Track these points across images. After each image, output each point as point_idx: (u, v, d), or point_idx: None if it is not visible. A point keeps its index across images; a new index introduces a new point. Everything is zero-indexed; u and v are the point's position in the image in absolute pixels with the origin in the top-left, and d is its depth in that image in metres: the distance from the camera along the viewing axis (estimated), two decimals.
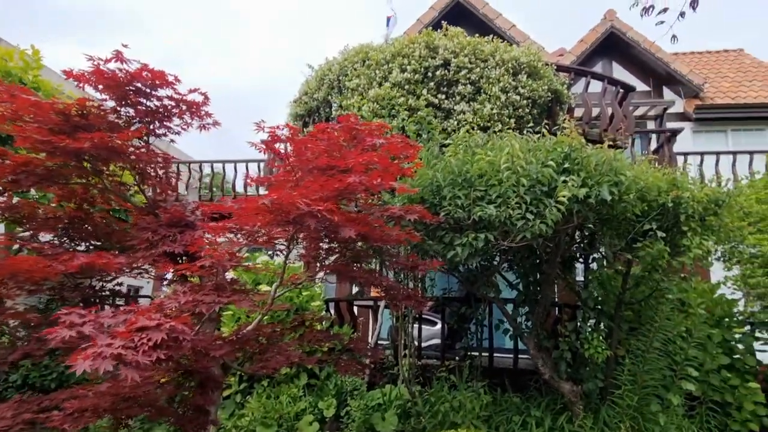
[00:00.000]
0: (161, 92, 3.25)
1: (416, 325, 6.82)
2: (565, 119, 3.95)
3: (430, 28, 8.05)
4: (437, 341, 6.66)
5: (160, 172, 3.33)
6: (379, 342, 6.87)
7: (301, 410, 5.07)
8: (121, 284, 4.08)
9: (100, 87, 3.17)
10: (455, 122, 6.34)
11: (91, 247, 3.57)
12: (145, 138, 3.29)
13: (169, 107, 3.26)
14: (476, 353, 5.65)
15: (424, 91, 6.34)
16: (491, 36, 6.93)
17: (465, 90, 6.29)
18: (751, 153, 8.98)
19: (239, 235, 2.74)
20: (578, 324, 4.45)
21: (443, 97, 6.40)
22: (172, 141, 3.49)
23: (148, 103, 3.24)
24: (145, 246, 2.88)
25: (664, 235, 3.77)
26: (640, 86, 12.24)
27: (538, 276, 4.46)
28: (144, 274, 3.76)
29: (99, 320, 2.06)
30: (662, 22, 3.89)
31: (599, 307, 4.48)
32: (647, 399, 3.92)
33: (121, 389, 2.25)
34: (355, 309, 8.29)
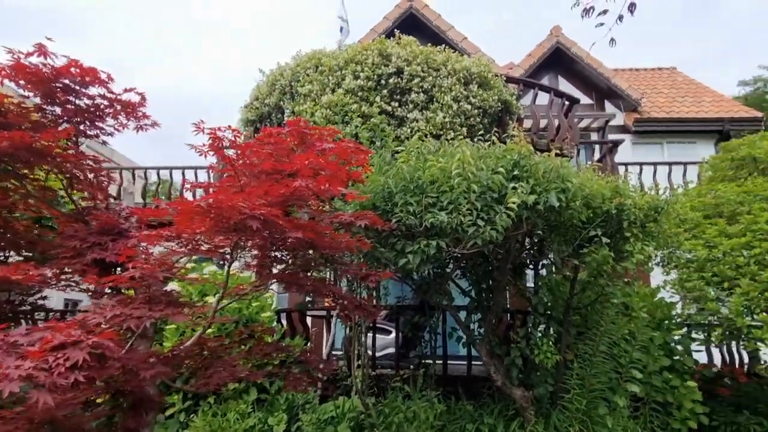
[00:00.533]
0: (93, 90, 3.01)
1: (370, 335, 6.71)
2: (514, 127, 4.01)
3: (384, 37, 8.10)
4: (392, 350, 6.58)
5: (90, 176, 3.07)
6: (333, 353, 6.72)
7: (249, 427, 4.83)
8: (45, 298, 3.73)
9: (22, 83, 2.90)
10: (408, 130, 6.34)
11: (9, 258, 3.24)
12: (74, 139, 3.03)
13: (102, 107, 3.02)
14: (430, 361, 5.62)
15: (378, 99, 6.31)
16: (443, 46, 7.03)
17: (418, 98, 6.32)
18: (685, 164, 9.56)
19: (178, 244, 2.55)
20: (529, 330, 4.51)
21: (396, 104, 6.40)
22: (104, 143, 3.24)
23: (78, 102, 2.99)
24: (71, 255, 2.63)
25: (608, 241, 3.88)
26: (584, 99, 12.83)
27: (490, 283, 4.49)
28: (78, 288, 3.44)
29: (9, 339, 1.84)
30: (602, 24, 4.04)
31: (549, 312, 4.57)
32: (595, 402, 4.01)
33: (36, 414, 2.01)
34: (309, 320, 8.12)
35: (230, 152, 2.81)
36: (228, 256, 3.52)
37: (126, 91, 3.04)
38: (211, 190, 3.44)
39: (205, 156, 2.76)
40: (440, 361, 5.70)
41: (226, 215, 2.15)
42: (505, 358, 4.41)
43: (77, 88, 2.92)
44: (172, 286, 6.09)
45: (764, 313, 4.30)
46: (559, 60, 12.83)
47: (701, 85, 13.75)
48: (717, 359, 7.01)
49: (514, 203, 3.12)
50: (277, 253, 3.03)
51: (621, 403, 4.07)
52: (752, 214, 4.86)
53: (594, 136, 12.51)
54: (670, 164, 10.10)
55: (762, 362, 7.41)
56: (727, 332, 4.83)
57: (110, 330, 1.88)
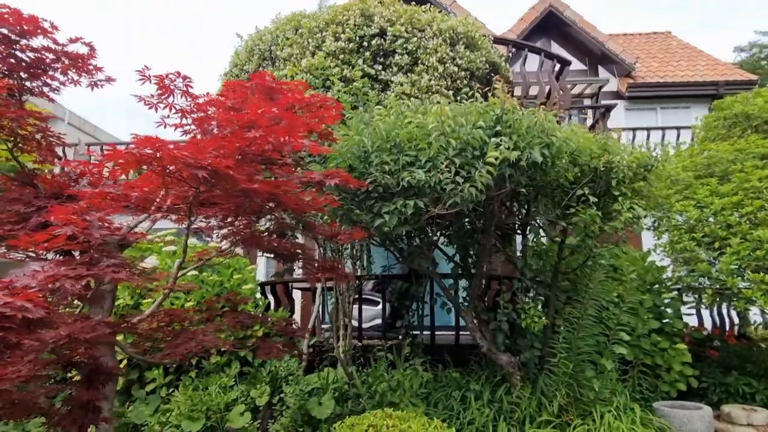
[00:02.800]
0: (36, 42, 2.76)
1: (357, 305, 6.59)
2: (496, 79, 3.79)
3: None
4: (380, 321, 6.48)
5: (38, 136, 2.84)
6: (323, 326, 6.62)
7: (232, 400, 4.74)
8: None
9: None
10: (393, 94, 6.10)
11: None
12: (16, 95, 2.79)
13: (48, 60, 2.78)
14: (417, 332, 5.52)
15: (360, 61, 6.04)
16: (428, 6, 6.72)
17: (402, 60, 6.05)
18: (678, 128, 9.37)
19: (128, 206, 2.35)
20: (515, 295, 4.39)
21: (380, 68, 6.13)
22: (50, 100, 3.00)
23: (20, 55, 2.74)
24: (15, 220, 2.44)
25: (596, 200, 3.72)
26: (578, 65, 12.52)
27: (476, 247, 4.34)
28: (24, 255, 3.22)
29: None
30: None
31: (536, 277, 4.44)
32: (582, 365, 3.91)
33: None
34: (299, 293, 8.00)
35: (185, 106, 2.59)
36: (203, 225, 3.34)
37: (72, 41, 2.77)
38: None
39: (155, 109, 2.54)
40: (428, 332, 5.60)
41: (164, 162, 1.94)
42: (491, 323, 4.29)
43: (16, 38, 2.67)
44: (151, 260, 5.93)
45: (754, 273, 4.19)
46: (552, 24, 12.46)
47: (696, 49, 13.44)
48: (708, 323, 7.00)
49: (494, 158, 2.94)
50: (241, 217, 2.84)
51: (608, 366, 3.99)
52: (744, 172, 4.71)
53: (588, 103, 12.27)
54: (663, 129, 9.92)
55: (752, 323, 7.39)
56: (717, 294, 4.74)
57: (36, 291, 1.71)
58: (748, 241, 4.33)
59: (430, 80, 5.96)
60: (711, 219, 4.82)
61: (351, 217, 3.37)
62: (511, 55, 8.44)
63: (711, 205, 4.71)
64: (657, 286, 5.41)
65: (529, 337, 4.34)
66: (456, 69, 6.12)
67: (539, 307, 4.27)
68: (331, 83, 5.94)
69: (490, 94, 3.72)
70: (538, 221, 4.49)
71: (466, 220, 4.14)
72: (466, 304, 4.37)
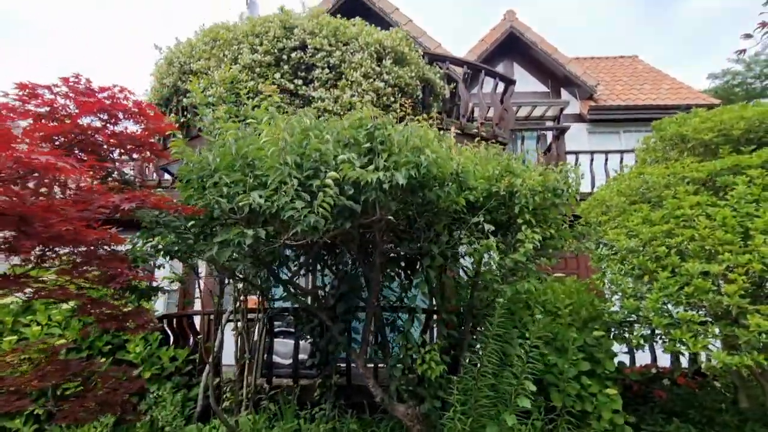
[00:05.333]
0: None
1: (284, 338, 6.04)
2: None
3: None
4: (304, 356, 5.89)
5: None
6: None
7: None
8: None
9: None
10: (315, 111, 5.66)
11: None
12: None
13: None
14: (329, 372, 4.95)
15: (278, 76, 5.62)
16: (361, 19, 6.36)
17: (323, 74, 5.64)
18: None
19: None
20: (408, 336, 3.85)
21: (300, 82, 5.71)
22: None
23: None
24: None
25: (492, 228, 3.26)
26: (540, 87, 12.31)
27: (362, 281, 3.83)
28: None
29: None
30: None
31: (436, 313, 3.93)
32: (481, 420, 3.37)
33: None
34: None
35: None
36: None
37: None
38: None
39: None
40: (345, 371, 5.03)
41: None
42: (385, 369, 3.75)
43: None
44: None
45: (685, 311, 3.72)
46: (514, 46, 12.27)
47: (661, 72, 13.33)
48: (665, 359, 6.48)
49: (333, 179, 2.45)
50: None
51: (509, 421, 3.44)
52: (677, 198, 4.28)
53: (550, 125, 12.00)
54: (621, 152, 9.62)
55: (707, 360, 6.90)
56: (649, 334, 4.27)
57: None
58: (678, 275, 3.88)
59: (352, 96, 5.54)
60: (642, 247, 4.38)
61: (196, 248, 2.86)
62: (467, 76, 8.11)
63: (640, 234, 4.27)
64: (592, 322, 4.93)
65: (430, 384, 3.80)
66: (382, 84, 5.72)
67: (435, 349, 3.73)
68: (242, 98, 5.50)
69: (428, 118, 3.34)
70: (434, 251, 4.00)
71: (342, 249, 3.64)
72: (355, 345, 3.84)
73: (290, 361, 6.11)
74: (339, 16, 6.45)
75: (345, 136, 2.88)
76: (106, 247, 2.67)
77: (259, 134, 2.86)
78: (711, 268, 3.70)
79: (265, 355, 5.30)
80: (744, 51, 4.06)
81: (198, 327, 5.66)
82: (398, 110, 5.58)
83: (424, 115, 3.92)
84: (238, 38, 5.82)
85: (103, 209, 2.21)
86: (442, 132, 4.75)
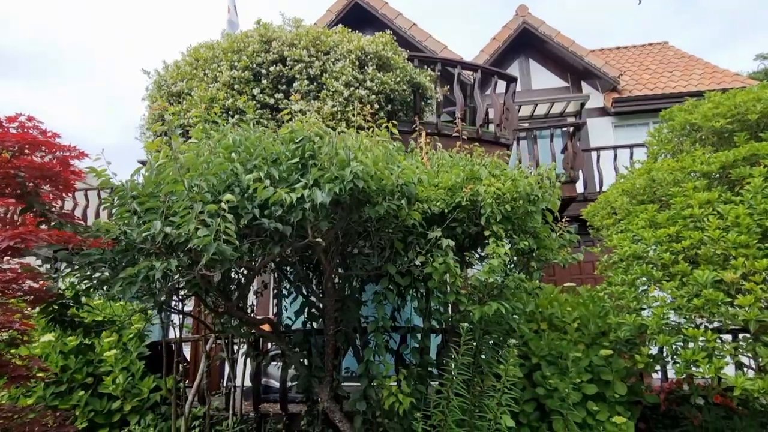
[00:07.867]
0: None
1: (271, 362, 5.82)
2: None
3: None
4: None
5: None
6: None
7: None
8: None
9: None
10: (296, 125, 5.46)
11: None
12: None
13: None
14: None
15: (257, 91, 5.46)
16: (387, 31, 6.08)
17: (303, 86, 5.43)
18: None
19: None
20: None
21: (282, 96, 5.53)
22: None
23: None
24: None
25: (452, 243, 2.89)
26: (559, 83, 11.68)
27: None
28: None
29: None
30: None
31: (413, 338, 3.56)
32: None
33: None
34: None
35: None
36: None
37: None
38: None
39: None
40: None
41: None
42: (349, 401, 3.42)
43: None
44: None
45: (694, 329, 3.20)
46: (528, 42, 11.73)
47: (693, 57, 12.36)
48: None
49: (229, 201, 2.18)
50: None
51: None
52: (685, 195, 3.75)
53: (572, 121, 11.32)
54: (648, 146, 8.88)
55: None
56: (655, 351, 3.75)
57: None
58: (686, 285, 3.36)
59: (333, 107, 5.30)
60: (651, 253, 3.86)
61: (93, 284, 2.66)
62: (475, 78, 7.70)
63: (644, 238, 3.76)
64: (602, 338, 4.42)
65: (407, 417, 3.43)
66: (366, 92, 5.45)
67: (403, 378, 3.36)
68: (222, 117, 5.36)
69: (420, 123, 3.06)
70: (391, 271, 3.62)
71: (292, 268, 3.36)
72: (317, 376, 3.53)
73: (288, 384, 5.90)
74: (340, 26, 6.24)
75: (274, 152, 2.62)
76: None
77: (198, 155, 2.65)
78: (723, 276, 3.17)
79: (254, 381, 5.08)
80: None
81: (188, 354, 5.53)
82: (356, 118, 5.12)
83: (394, 122, 3.61)
84: (218, 56, 5.73)
85: None
86: (423, 137, 4.41)
